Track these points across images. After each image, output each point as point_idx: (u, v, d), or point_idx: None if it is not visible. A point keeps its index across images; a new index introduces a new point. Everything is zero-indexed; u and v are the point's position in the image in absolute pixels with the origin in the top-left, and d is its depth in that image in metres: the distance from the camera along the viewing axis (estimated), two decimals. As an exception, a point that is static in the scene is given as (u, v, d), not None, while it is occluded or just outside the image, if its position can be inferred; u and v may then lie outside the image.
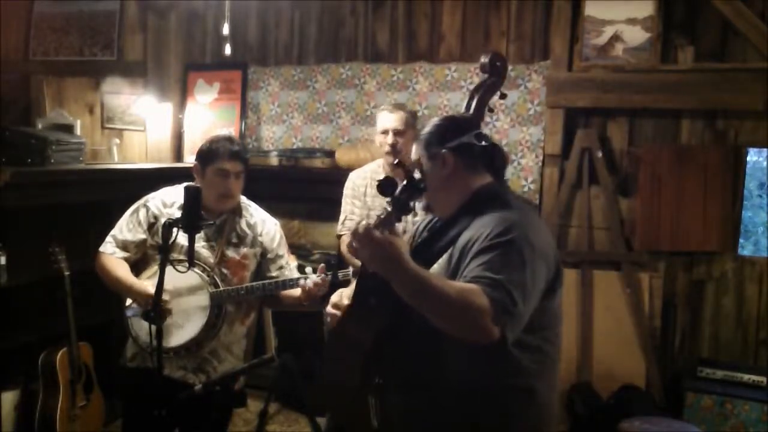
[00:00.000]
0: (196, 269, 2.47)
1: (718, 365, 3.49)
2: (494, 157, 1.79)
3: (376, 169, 3.30)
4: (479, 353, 1.58)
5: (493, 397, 1.67)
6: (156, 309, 2.13)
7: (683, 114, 3.65)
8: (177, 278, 2.43)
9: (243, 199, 2.69)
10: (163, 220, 2.48)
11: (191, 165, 2.68)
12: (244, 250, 2.59)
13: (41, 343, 3.32)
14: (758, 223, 3.64)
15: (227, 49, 3.83)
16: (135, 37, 4.36)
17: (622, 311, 3.66)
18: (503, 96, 2.56)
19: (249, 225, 2.64)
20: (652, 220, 3.66)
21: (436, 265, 1.71)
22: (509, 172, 3.90)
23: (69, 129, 3.80)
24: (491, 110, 2.60)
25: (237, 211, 2.63)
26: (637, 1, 3.62)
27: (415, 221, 2.96)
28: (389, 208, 1.68)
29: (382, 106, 3.33)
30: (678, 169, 3.62)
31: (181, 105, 4.63)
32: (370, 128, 4.19)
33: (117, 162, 4.03)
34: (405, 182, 1.69)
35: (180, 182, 2.40)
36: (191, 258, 2.22)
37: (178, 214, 2.47)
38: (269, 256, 2.65)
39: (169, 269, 2.32)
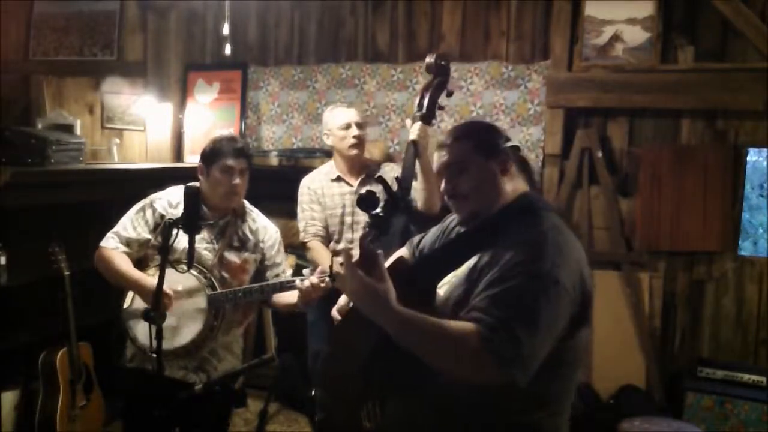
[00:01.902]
0: (194, 271, 2.47)
1: (718, 365, 3.48)
2: (526, 167, 1.77)
3: (328, 170, 3.31)
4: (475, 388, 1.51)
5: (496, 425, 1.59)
6: (157, 309, 2.13)
7: (683, 114, 3.65)
8: (175, 280, 2.44)
9: (247, 203, 2.70)
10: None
11: (191, 165, 2.69)
12: (245, 254, 2.60)
13: (41, 343, 3.32)
14: (758, 223, 3.64)
15: (227, 49, 3.83)
16: (135, 37, 4.36)
17: (622, 311, 3.66)
18: (450, 94, 2.62)
19: (252, 230, 2.65)
20: (652, 220, 3.66)
21: (460, 271, 1.64)
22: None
23: (69, 129, 3.80)
24: (441, 108, 2.65)
25: (241, 215, 2.64)
26: (637, 1, 3.62)
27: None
28: (371, 228, 1.60)
29: (331, 106, 3.37)
30: (678, 169, 3.62)
31: (181, 105, 4.63)
32: (369, 128, 4.19)
33: (117, 162, 4.03)
34: (386, 200, 1.62)
35: (184, 182, 2.40)
36: (191, 258, 2.22)
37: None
38: (267, 263, 2.67)
39: (169, 271, 2.32)
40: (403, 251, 2.07)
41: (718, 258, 3.62)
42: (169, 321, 2.42)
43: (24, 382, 3.36)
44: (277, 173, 4.14)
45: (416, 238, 2.05)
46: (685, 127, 3.66)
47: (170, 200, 2.58)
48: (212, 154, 2.55)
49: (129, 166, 4.03)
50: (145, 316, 2.15)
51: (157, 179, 3.93)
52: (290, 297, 2.55)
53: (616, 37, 3.67)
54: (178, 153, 4.58)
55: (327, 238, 3.27)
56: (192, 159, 4.48)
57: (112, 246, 2.54)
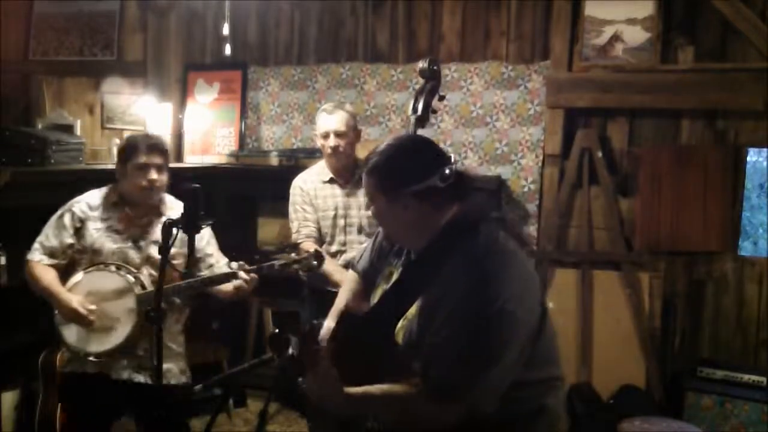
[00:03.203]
0: (122, 271, 2.51)
1: (718, 365, 3.48)
2: (460, 187, 1.65)
3: (320, 171, 3.26)
4: None
5: (505, 420, 1.61)
6: (157, 310, 2.11)
7: (683, 114, 3.65)
8: (103, 282, 2.49)
9: (171, 198, 2.70)
10: (89, 224, 2.56)
11: (192, 165, 2.70)
12: (171, 250, 2.56)
13: (41, 343, 3.31)
14: (758, 223, 3.64)
15: (227, 49, 3.84)
16: (135, 37, 4.36)
17: (622, 311, 3.66)
18: (442, 98, 2.66)
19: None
20: (652, 220, 3.66)
21: (409, 314, 1.62)
22: (509, 172, 3.91)
23: (69, 129, 3.80)
24: (435, 111, 2.69)
25: (164, 211, 2.65)
26: (637, 1, 3.62)
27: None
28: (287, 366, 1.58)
29: (323, 106, 3.26)
30: (678, 169, 3.62)
31: (181, 105, 4.63)
32: (369, 128, 4.19)
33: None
34: (292, 353, 1.55)
35: (185, 182, 2.38)
36: (191, 258, 2.23)
37: (104, 216, 2.57)
38: (198, 255, 2.65)
39: (97, 273, 2.43)
40: (350, 288, 2.10)
41: (718, 258, 3.62)
42: (100, 323, 2.47)
43: (24, 382, 3.36)
44: (277, 173, 4.13)
45: (360, 264, 2.05)
46: (685, 127, 3.66)
47: (89, 203, 2.61)
48: (126, 151, 2.58)
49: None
50: (146, 316, 2.15)
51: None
52: (228, 286, 2.58)
53: (616, 37, 3.67)
54: (178, 153, 4.57)
55: (320, 240, 3.25)
56: (192, 159, 4.48)
57: (37, 259, 2.58)
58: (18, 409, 3.33)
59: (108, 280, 2.50)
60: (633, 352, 3.62)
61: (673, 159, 3.63)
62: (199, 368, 3.87)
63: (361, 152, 3.94)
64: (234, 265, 2.54)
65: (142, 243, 2.58)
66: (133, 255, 2.56)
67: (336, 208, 3.22)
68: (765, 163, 3.59)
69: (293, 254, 2.69)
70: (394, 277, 1.75)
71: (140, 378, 2.54)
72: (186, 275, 2.45)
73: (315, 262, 2.72)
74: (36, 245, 2.60)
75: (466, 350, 1.47)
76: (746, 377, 3.39)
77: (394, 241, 1.79)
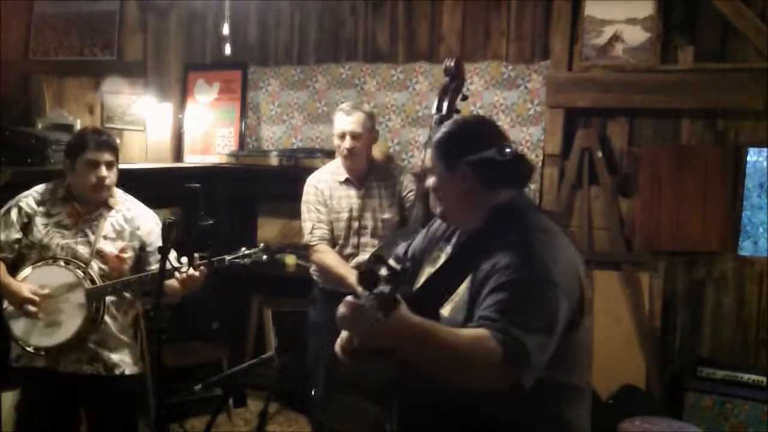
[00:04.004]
0: (71, 266, 2.49)
1: (718, 365, 3.48)
2: (517, 170, 1.68)
3: (335, 171, 3.24)
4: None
5: (523, 428, 1.60)
6: (157, 310, 2.12)
7: (683, 114, 3.65)
8: (52, 276, 2.48)
9: (121, 193, 2.69)
10: (37, 219, 2.54)
11: (192, 165, 2.69)
12: (121, 244, 2.59)
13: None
14: (758, 223, 3.64)
15: (227, 49, 3.83)
16: (135, 37, 4.36)
17: (622, 311, 3.66)
18: (465, 98, 2.69)
19: (126, 219, 2.63)
20: (652, 220, 3.66)
21: (458, 292, 1.63)
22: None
23: (69, 129, 3.79)
24: (458, 111, 2.71)
25: (113, 205, 2.62)
26: (637, 1, 3.62)
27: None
28: (373, 302, 1.44)
29: (339, 106, 3.24)
30: (678, 169, 3.62)
31: (181, 105, 4.63)
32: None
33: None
34: (387, 273, 1.48)
35: (185, 182, 2.39)
36: (191, 258, 2.23)
37: (52, 211, 2.55)
38: (149, 249, 2.64)
39: (45, 268, 2.42)
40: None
41: (718, 258, 3.62)
42: (49, 317, 2.47)
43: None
44: (277, 173, 4.14)
45: (401, 249, 2.02)
46: (685, 127, 3.66)
47: (36, 198, 2.59)
48: (76, 147, 2.55)
49: (129, 166, 4.02)
50: (146, 315, 2.15)
51: (156, 179, 3.96)
52: (176, 283, 2.53)
53: (616, 37, 3.67)
54: (178, 153, 4.58)
55: (332, 242, 3.21)
56: (192, 159, 4.49)
57: None
58: (18, 409, 3.32)
59: (57, 275, 2.48)
60: (633, 352, 3.62)
61: (673, 159, 3.63)
62: (199, 368, 3.89)
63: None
64: (184, 260, 2.49)
65: (91, 237, 2.55)
66: (83, 250, 2.53)
67: (350, 210, 3.18)
68: (765, 163, 3.59)
69: (243, 249, 2.61)
70: (442, 259, 1.76)
71: (92, 370, 2.53)
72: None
73: (265, 257, 2.65)
74: None
75: (529, 316, 1.47)
76: (746, 377, 3.39)
77: (449, 220, 1.79)
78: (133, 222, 2.63)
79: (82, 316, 2.48)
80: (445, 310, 1.66)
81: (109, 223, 2.59)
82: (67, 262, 2.50)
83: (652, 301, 3.66)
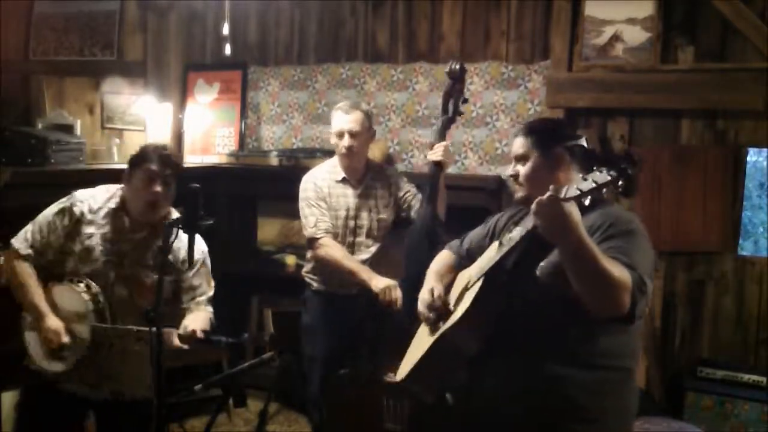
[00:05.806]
0: (86, 294, 2.32)
1: (718, 365, 3.48)
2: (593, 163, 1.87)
3: (332, 170, 3.22)
4: (597, 331, 1.76)
5: (599, 375, 1.80)
6: (157, 310, 2.08)
7: (683, 114, 3.65)
8: (69, 300, 2.34)
9: (176, 214, 2.45)
10: (83, 228, 2.39)
11: (192, 165, 2.66)
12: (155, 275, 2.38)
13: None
14: (758, 223, 3.64)
15: (227, 49, 3.84)
16: (135, 37, 4.36)
17: (622, 311, 3.65)
18: (465, 101, 2.76)
19: (173, 249, 2.35)
20: (652, 220, 3.66)
21: (551, 257, 1.76)
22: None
23: (69, 129, 3.80)
24: (461, 113, 2.76)
25: (161, 230, 2.31)
26: (637, 1, 3.62)
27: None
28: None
29: (337, 104, 3.22)
30: (678, 169, 3.62)
31: (181, 105, 4.63)
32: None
33: (117, 162, 4.03)
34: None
35: (186, 182, 2.32)
36: (191, 259, 2.21)
37: (101, 221, 2.40)
38: (183, 285, 2.50)
39: (65, 290, 2.31)
40: (447, 256, 2.25)
41: (718, 258, 3.62)
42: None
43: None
44: (277, 173, 4.13)
45: (456, 243, 2.23)
46: (685, 127, 3.66)
47: (91, 205, 2.43)
48: (137, 157, 2.41)
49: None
50: (146, 315, 2.12)
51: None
52: (174, 336, 2.33)
53: (616, 37, 3.67)
54: (178, 153, 4.58)
55: (336, 236, 3.18)
56: (192, 159, 4.49)
57: (24, 252, 2.40)
58: (18, 409, 3.32)
59: (73, 300, 2.33)
60: (633, 352, 3.62)
61: (673, 159, 3.63)
62: (199, 368, 3.88)
63: (369, 153, 3.96)
64: (189, 329, 2.34)
65: (126, 261, 2.40)
66: (111, 273, 2.37)
67: (347, 209, 3.18)
68: (765, 163, 3.58)
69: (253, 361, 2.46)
70: (516, 238, 1.86)
71: (98, 395, 2.41)
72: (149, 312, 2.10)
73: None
74: (25, 234, 2.43)
75: (641, 260, 1.71)
76: (746, 377, 3.39)
77: (528, 190, 1.92)
78: (177, 252, 2.44)
79: (80, 354, 2.33)
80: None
81: (152, 250, 2.43)
82: (87, 287, 2.34)
83: (652, 301, 3.66)
